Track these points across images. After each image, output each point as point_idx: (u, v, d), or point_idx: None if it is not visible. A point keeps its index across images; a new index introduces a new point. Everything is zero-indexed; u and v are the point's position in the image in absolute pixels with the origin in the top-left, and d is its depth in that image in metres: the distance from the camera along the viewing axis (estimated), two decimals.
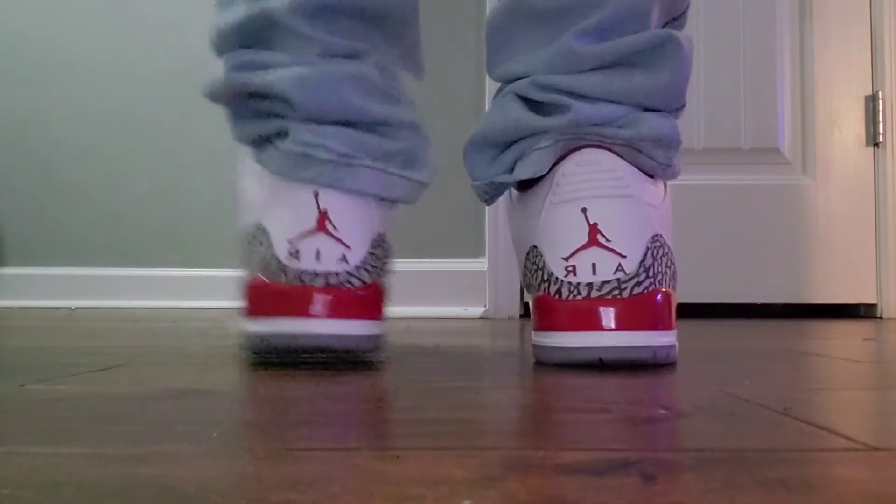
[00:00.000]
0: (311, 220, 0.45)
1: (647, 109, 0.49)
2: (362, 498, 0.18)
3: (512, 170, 0.50)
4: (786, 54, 1.41)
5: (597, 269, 0.45)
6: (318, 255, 0.45)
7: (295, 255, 0.45)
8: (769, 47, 1.41)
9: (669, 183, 0.52)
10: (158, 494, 0.19)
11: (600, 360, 0.44)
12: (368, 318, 0.46)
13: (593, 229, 0.45)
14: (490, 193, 0.52)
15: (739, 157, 1.40)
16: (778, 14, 1.41)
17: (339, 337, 0.45)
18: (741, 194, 1.38)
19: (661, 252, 0.46)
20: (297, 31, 0.48)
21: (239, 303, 0.49)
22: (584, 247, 0.45)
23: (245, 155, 0.52)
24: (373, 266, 0.47)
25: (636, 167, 0.48)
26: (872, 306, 1.38)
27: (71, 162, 1.59)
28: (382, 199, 0.49)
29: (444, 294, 1.39)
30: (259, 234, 0.47)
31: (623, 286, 0.44)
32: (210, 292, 1.52)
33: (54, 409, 0.31)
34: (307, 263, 0.45)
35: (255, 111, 0.50)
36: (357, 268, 0.46)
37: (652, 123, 0.48)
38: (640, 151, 0.48)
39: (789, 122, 1.41)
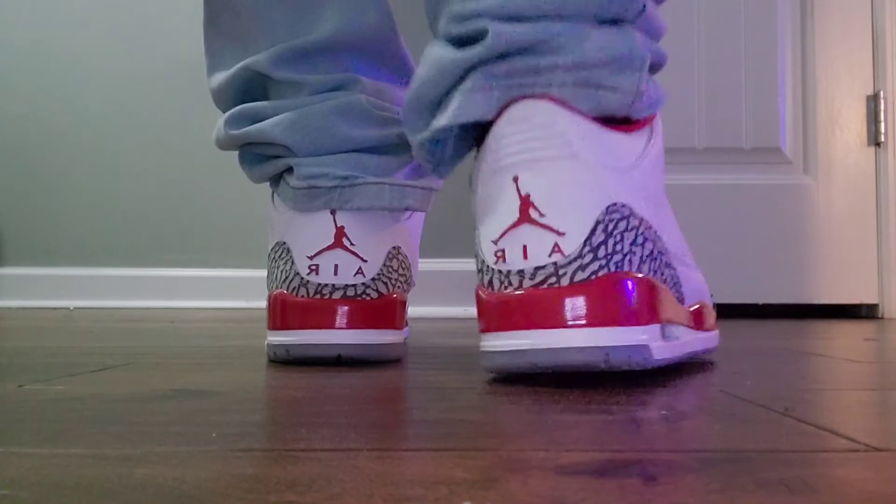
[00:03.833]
0: (330, 237, 0.48)
1: (600, 22, 0.39)
2: (362, 499, 0.18)
3: None
4: (787, 53, 1.41)
5: (528, 251, 0.37)
6: (336, 269, 0.48)
7: (315, 269, 0.48)
8: (770, 46, 1.41)
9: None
10: (157, 495, 0.19)
11: (534, 365, 0.37)
12: (386, 328, 0.49)
13: (525, 202, 0.37)
14: (431, 160, 0.43)
15: (740, 156, 1.40)
16: (779, 13, 1.41)
17: (357, 346, 0.47)
18: (742, 194, 1.38)
19: (622, 226, 0.37)
20: (282, 80, 0.51)
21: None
22: (514, 225, 0.37)
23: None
24: (388, 277, 0.49)
25: (600, 114, 0.38)
26: (874, 306, 1.38)
27: (71, 162, 1.59)
28: (393, 210, 0.50)
29: (444, 294, 1.39)
30: (282, 252, 0.50)
31: (561, 271, 0.36)
32: (209, 292, 1.52)
33: (53, 409, 0.31)
34: (326, 277, 0.48)
35: (260, 156, 0.53)
36: (374, 280, 0.48)
37: (601, 41, 0.38)
38: (598, 87, 0.38)
39: (790, 121, 1.40)
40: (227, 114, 0.52)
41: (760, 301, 1.37)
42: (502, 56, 0.38)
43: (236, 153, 0.55)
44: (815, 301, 1.37)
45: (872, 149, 1.40)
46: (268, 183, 0.55)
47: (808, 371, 0.48)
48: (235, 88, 0.53)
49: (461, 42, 0.40)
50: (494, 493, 0.19)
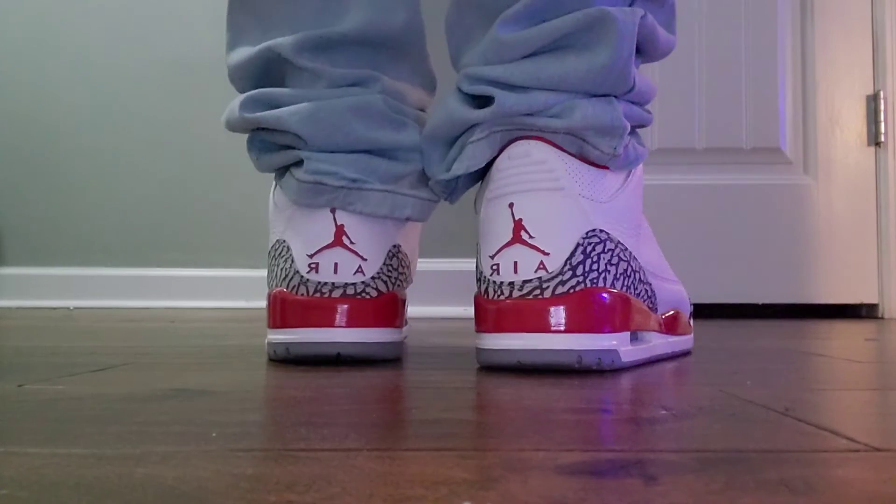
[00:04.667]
0: (329, 235, 0.48)
1: (592, 95, 0.45)
2: (362, 499, 0.18)
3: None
4: (787, 53, 1.41)
5: (518, 267, 0.43)
6: (336, 267, 0.48)
7: (314, 268, 0.48)
8: (770, 46, 1.41)
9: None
10: (157, 495, 0.19)
11: (519, 363, 0.43)
12: (386, 326, 0.49)
13: (517, 225, 0.43)
14: (445, 191, 0.50)
15: (740, 156, 1.40)
16: (779, 13, 1.41)
17: (357, 344, 0.48)
18: (742, 194, 1.38)
19: (600, 249, 0.43)
20: (303, 67, 0.51)
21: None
22: (507, 244, 0.44)
23: (273, 178, 0.55)
24: (388, 276, 0.49)
25: (582, 157, 0.45)
26: (874, 306, 1.38)
27: (70, 162, 1.59)
28: (394, 219, 0.51)
29: (444, 294, 1.39)
30: (282, 250, 0.50)
31: (545, 285, 0.42)
32: (209, 292, 1.52)
33: (53, 409, 0.31)
34: (326, 276, 0.48)
35: (270, 145, 0.53)
36: (373, 278, 0.48)
37: (588, 111, 0.44)
38: (584, 141, 0.45)
39: (790, 121, 1.40)
40: (244, 96, 0.52)
41: (760, 301, 1.37)
42: (505, 115, 0.45)
43: (241, 151, 0.55)
44: (815, 301, 1.37)
45: (872, 149, 1.40)
46: (272, 175, 0.55)
47: (808, 371, 0.48)
48: (256, 68, 0.53)
49: (471, 99, 0.47)
50: (494, 493, 0.19)
